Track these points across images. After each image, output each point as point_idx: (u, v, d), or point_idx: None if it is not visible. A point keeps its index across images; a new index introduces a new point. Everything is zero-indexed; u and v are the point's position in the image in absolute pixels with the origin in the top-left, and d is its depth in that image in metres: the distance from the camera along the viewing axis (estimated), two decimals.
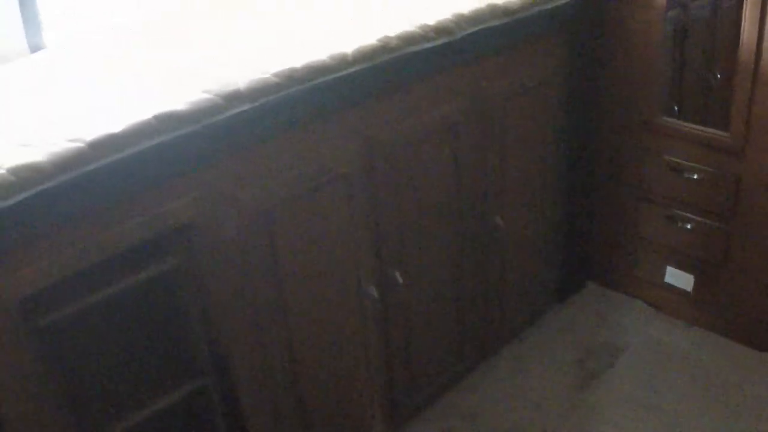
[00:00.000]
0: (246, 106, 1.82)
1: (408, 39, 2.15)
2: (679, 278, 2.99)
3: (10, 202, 1.48)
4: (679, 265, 2.97)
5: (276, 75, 1.89)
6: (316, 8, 2.48)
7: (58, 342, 1.69)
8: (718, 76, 2.94)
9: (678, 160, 2.81)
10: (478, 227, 2.59)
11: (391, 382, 2.48)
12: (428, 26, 2.21)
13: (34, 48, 2.38)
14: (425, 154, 2.33)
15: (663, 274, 3.03)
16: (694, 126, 2.78)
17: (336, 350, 2.25)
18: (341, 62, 2.00)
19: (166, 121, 1.69)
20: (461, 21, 2.29)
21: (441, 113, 2.35)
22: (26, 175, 1.50)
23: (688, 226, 2.87)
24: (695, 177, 2.78)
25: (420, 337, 2.52)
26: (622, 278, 3.17)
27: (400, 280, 2.33)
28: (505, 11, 2.43)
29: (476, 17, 2.34)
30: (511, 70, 2.54)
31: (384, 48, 2.09)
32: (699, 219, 2.83)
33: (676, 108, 2.91)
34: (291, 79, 1.90)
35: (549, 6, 2.58)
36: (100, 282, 1.71)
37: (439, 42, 2.22)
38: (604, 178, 3.05)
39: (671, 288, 3.02)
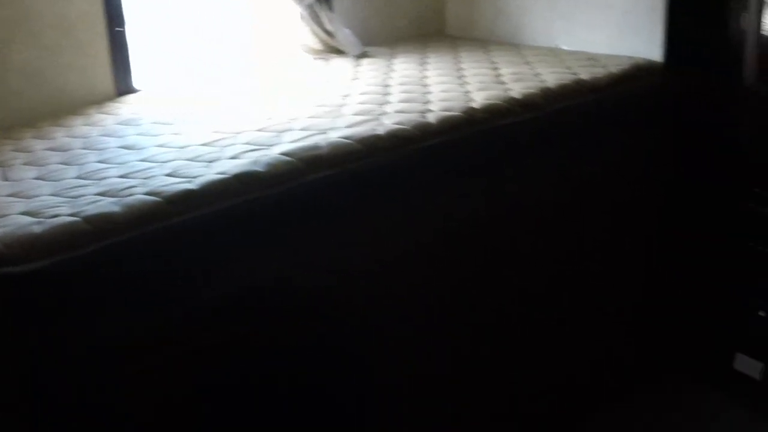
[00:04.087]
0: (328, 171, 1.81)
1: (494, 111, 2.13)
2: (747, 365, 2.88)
3: None
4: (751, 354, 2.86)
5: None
6: None
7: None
8: None
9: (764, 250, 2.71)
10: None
11: None
12: (515, 100, 2.18)
13: (122, 91, 2.42)
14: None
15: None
16: None
17: None
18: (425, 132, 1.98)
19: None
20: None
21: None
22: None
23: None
24: None
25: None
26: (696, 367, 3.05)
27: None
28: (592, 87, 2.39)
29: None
30: (599, 152, 2.48)
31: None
32: None
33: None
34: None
35: (641, 83, 2.53)
36: None
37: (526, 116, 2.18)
38: (685, 264, 2.96)
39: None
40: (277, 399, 1.83)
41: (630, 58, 2.64)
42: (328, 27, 2.88)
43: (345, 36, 2.87)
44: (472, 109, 2.09)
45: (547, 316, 2.49)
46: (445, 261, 2.10)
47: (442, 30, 3.37)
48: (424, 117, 2.03)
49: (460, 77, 2.47)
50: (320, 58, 2.85)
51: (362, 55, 2.84)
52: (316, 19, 2.87)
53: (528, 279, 2.36)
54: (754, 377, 2.84)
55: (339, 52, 2.89)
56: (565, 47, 2.88)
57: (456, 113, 2.05)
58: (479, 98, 2.18)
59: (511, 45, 2.98)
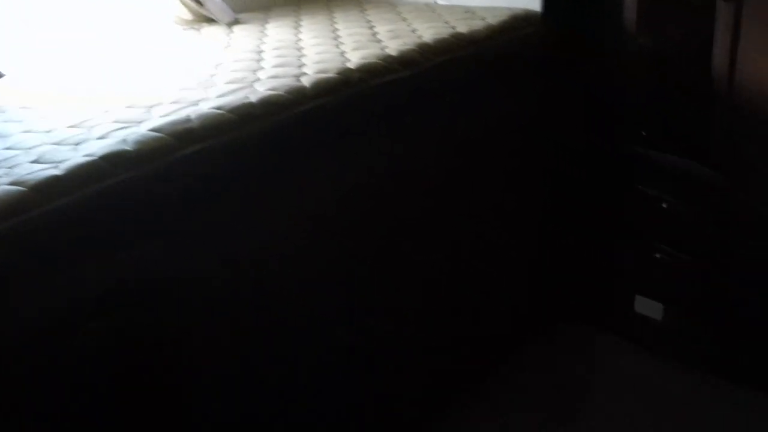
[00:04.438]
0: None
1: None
2: (648, 307, 2.92)
3: None
4: (650, 295, 2.90)
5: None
6: None
7: None
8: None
9: (654, 193, 2.74)
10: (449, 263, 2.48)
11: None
12: (392, 57, 2.12)
13: None
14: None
15: (632, 304, 2.96)
16: (674, 158, 2.70)
17: None
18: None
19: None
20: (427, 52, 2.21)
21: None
22: None
23: (662, 257, 2.80)
24: (673, 210, 2.71)
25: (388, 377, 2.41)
26: (596, 312, 3.09)
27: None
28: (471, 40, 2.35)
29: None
30: (482, 107, 2.45)
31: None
32: (674, 252, 2.76)
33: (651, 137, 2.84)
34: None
35: (520, 33, 2.51)
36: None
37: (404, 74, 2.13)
38: (578, 213, 2.97)
39: (641, 318, 2.95)
40: (165, 392, 1.74)
41: (509, 9, 2.61)
42: None
43: (215, 4, 2.76)
44: (348, 69, 2.02)
45: (447, 280, 2.46)
46: (338, 232, 2.02)
47: None
48: (298, 81, 1.95)
49: (335, 38, 2.40)
50: (191, 29, 2.73)
51: (234, 23, 2.73)
52: None
53: (424, 243, 2.31)
54: (655, 318, 2.89)
55: (210, 21, 2.78)
56: (442, 2, 2.83)
57: (331, 75, 1.97)
58: (355, 58, 2.11)
59: (388, 2, 2.92)
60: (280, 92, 1.87)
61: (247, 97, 1.84)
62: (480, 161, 2.46)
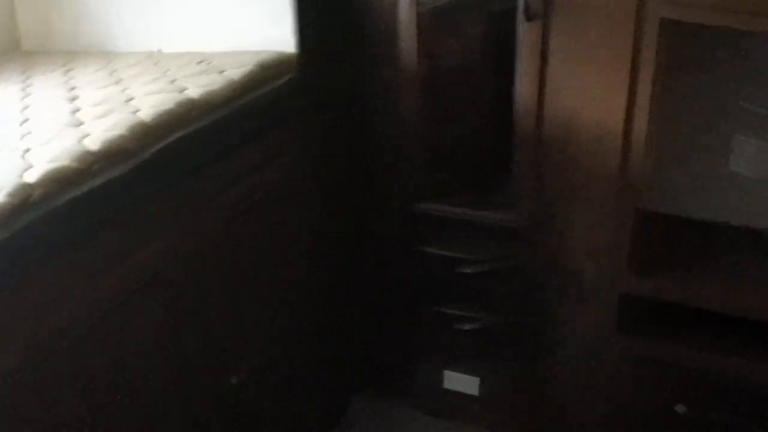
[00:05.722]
0: None
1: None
2: (461, 382, 2.50)
3: None
4: (461, 369, 2.47)
5: None
6: None
7: None
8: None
9: (447, 253, 2.30)
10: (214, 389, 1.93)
11: None
12: (91, 155, 1.53)
13: None
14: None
15: (442, 380, 2.53)
16: (467, 211, 2.27)
17: None
18: None
19: None
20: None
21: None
22: None
23: (468, 327, 2.38)
24: (472, 271, 2.28)
25: None
26: (401, 389, 2.63)
27: None
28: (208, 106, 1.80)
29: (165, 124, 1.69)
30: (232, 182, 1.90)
31: None
32: (481, 316, 2.34)
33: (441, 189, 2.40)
34: None
35: (271, 87, 1.98)
36: None
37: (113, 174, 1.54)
38: (370, 283, 2.49)
39: (454, 394, 2.52)
40: None
41: (255, 54, 2.07)
42: None
43: None
44: (27, 187, 1.40)
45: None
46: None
47: (17, 45, 2.59)
48: None
49: (22, 122, 1.76)
50: None
51: None
52: None
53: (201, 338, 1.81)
54: (471, 393, 2.48)
55: None
56: (168, 49, 2.25)
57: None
58: (41, 163, 1.49)
59: (102, 54, 2.30)
60: None
61: None
62: (252, 236, 1.96)
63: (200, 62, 2.07)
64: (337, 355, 2.47)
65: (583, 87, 1.99)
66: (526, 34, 1.98)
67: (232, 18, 2.16)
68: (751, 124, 2.09)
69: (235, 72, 1.96)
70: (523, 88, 2.05)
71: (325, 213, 2.25)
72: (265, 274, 2.04)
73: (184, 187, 1.73)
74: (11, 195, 1.36)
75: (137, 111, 1.72)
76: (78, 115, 1.75)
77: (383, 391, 2.63)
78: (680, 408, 2.17)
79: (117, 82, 1.97)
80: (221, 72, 1.97)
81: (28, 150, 1.57)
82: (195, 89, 1.85)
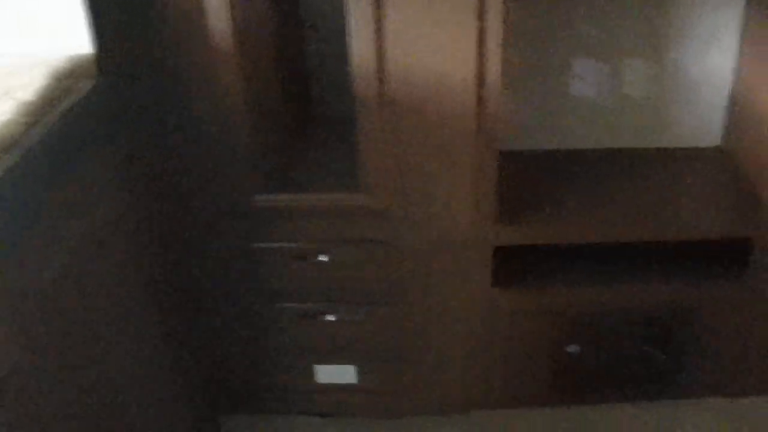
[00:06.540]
0: None
1: None
2: (336, 374, 2.30)
3: None
4: (334, 361, 2.27)
5: None
6: None
7: None
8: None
9: (291, 245, 2.06)
10: None
11: None
12: None
13: None
14: None
15: (314, 376, 2.31)
16: (309, 195, 2.03)
17: None
18: None
19: None
20: None
21: None
22: None
23: (333, 318, 2.16)
24: (326, 259, 2.06)
25: None
26: (272, 396, 2.37)
27: None
28: None
29: None
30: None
31: None
32: (342, 307, 2.14)
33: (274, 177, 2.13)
34: None
35: (72, 102, 1.59)
36: None
37: None
38: (213, 294, 2.19)
39: (329, 387, 2.31)
40: None
41: (45, 63, 1.66)
42: None
43: None
44: None
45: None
46: None
47: None
48: None
49: None
50: None
51: None
52: None
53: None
54: (350, 382, 2.28)
55: None
56: None
57: None
58: None
59: None
60: None
61: None
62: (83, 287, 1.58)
63: None
64: (194, 379, 2.16)
65: (426, 36, 1.80)
66: (356, 5, 1.75)
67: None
68: (589, 46, 2.03)
69: (29, 91, 1.56)
70: (359, 44, 1.82)
71: (149, 240, 1.91)
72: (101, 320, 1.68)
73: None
74: None
75: None
76: None
77: (256, 403, 2.36)
78: (573, 348, 2.11)
79: None
80: (8, 93, 1.56)
81: None
82: None
